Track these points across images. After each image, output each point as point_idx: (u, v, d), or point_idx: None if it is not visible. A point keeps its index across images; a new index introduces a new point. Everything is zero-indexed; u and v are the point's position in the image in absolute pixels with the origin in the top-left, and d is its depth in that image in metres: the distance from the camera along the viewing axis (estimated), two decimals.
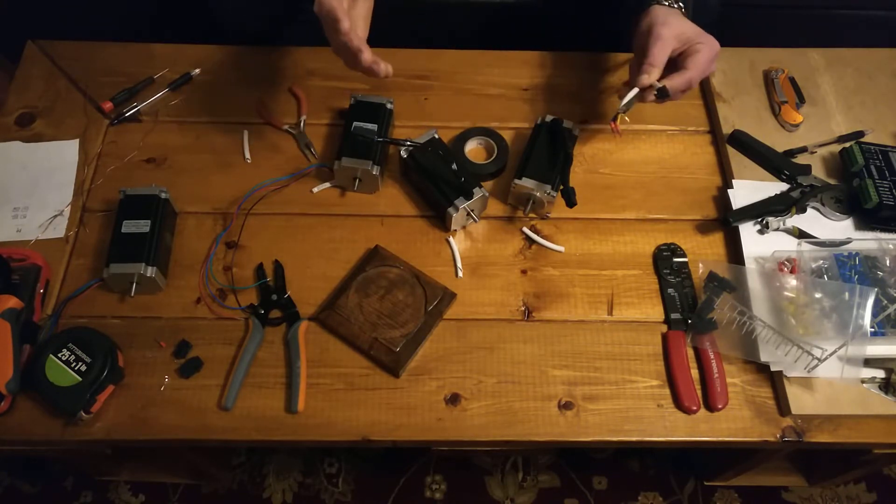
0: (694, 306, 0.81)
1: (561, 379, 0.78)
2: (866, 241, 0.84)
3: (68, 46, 0.99)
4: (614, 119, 0.82)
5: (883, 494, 1.32)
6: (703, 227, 0.88)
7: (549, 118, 0.90)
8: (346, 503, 1.29)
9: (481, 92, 0.98)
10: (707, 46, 0.80)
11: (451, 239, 0.86)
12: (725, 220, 0.85)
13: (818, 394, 0.75)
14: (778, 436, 0.75)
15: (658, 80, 0.79)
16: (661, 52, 0.78)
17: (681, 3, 0.84)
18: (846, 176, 0.88)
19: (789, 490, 1.31)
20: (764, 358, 0.76)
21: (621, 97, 0.80)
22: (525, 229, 0.87)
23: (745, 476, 1.22)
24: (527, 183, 0.84)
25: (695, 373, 0.78)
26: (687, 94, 0.97)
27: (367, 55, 0.71)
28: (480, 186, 0.84)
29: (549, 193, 0.84)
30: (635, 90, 0.79)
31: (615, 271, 0.85)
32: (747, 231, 0.85)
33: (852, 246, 0.83)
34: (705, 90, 0.99)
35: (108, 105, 0.93)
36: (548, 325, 0.81)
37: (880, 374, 0.76)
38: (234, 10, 1.05)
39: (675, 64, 0.80)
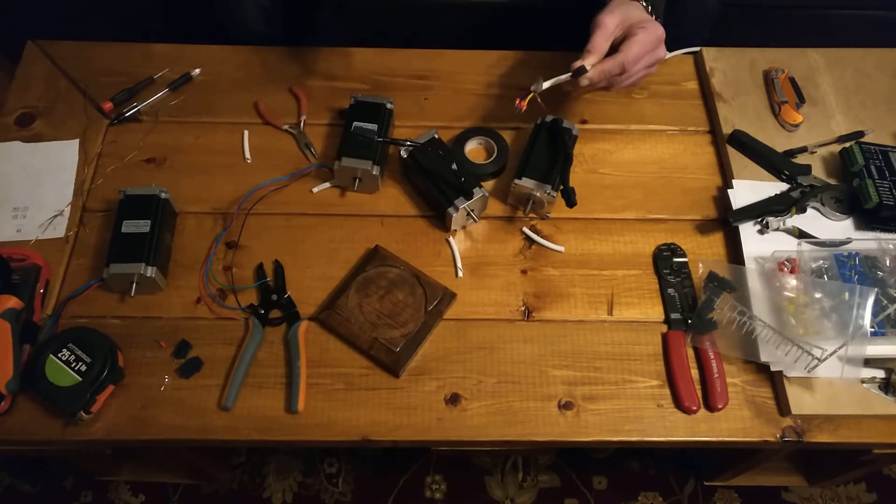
0: (694, 306, 0.81)
1: (561, 379, 0.78)
2: (866, 241, 0.84)
3: (68, 46, 0.99)
4: (524, 97, 0.78)
5: (883, 494, 1.32)
6: (703, 227, 0.88)
7: (549, 118, 0.90)
8: (346, 503, 1.29)
9: (481, 92, 0.98)
10: (646, 31, 0.78)
11: (451, 239, 0.86)
12: (725, 220, 0.85)
13: (818, 394, 0.75)
14: (778, 436, 0.75)
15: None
16: (600, 38, 0.77)
17: (644, 2, 0.83)
18: (846, 176, 0.88)
19: (789, 490, 1.31)
20: (764, 358, 0.76)
21: (546, 79, 0.78)
22: (525, 229, 0.87)
23: (745, 476, 1.22)
24: (527, 183, 0.84)
25: (695, 373, 0.78)
26: (687, 95, 0.98)
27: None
28: (480, 186, 0.84)
29: (549, 193, 0.84)
30: (567, 75, 0.78)
31: (615, 271, 0.85)
32: (747, 231, 0.85)
33: (852, 246, 0.83)
34: (705, 90, 0.99)
35: (108, 105, 0.93)
36: (548, 325, 0.81)
37: (880, 374, 0.76)
38: (244, 21, 1.04)
39: (618, 51, 0.79)
